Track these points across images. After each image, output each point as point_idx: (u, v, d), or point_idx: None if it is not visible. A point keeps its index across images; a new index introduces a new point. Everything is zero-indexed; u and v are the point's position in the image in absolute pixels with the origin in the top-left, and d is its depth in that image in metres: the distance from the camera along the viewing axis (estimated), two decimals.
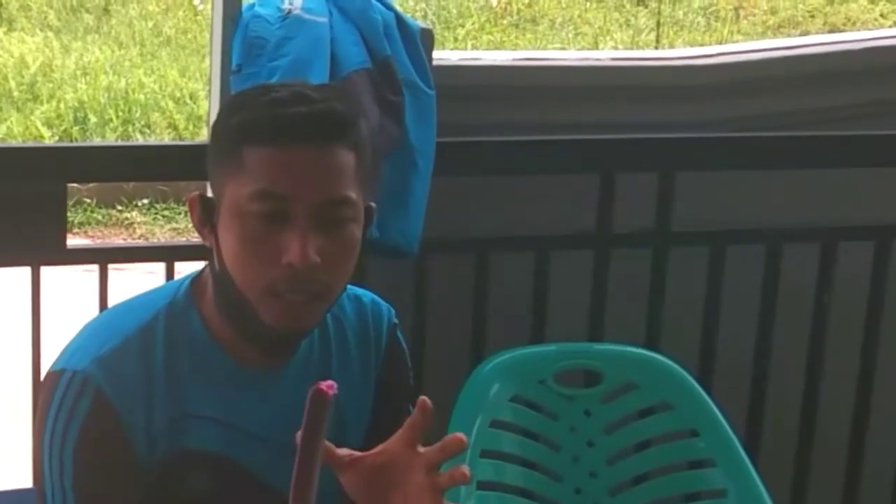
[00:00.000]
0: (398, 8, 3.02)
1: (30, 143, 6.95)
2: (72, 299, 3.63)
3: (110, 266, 2.92)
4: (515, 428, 2.88)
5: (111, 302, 2.83)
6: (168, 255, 2.98)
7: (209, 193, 1.96)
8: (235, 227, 1.83)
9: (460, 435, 1.77)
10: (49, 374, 1.92)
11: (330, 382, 1.70)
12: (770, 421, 3.34)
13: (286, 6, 2.85)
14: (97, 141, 7.47)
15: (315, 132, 1.82)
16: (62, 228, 2.87)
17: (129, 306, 1.98)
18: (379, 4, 2.92)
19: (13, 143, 7.15)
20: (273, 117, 1.82)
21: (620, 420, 2.95)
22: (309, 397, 1.69)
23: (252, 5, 2.89)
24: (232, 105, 1.91)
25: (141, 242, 6.74)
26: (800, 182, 3.34)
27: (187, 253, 3.01)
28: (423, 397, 1.77)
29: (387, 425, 1.88)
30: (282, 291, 1.82)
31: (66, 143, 6.94)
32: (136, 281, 2.75)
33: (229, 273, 1.85)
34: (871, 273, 3.37)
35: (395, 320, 2.08)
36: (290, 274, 1.81)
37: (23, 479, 2.97)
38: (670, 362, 2.93)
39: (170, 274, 2.91)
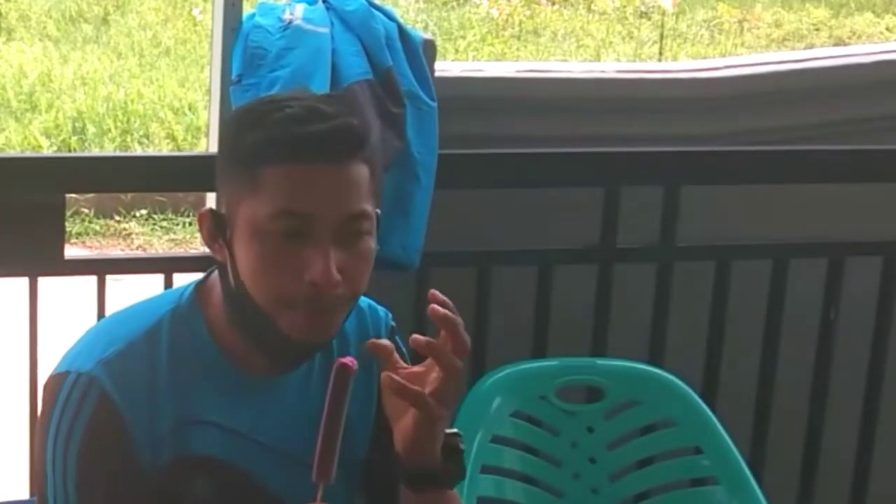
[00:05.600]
0: (400, 19, 3.00)
1: (28, 154, 6.93)
2: (69, 309, 3.61)
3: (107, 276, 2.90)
4: (516, 443, 2.86)
5: (109, 312, 2.81)
6: (166, 266, 2.96)
7: (210, 205, 1.95)
8: (254, 245, 1.83)
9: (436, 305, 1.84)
10: (52, 376, 1.91)
11: (351, 358, 1.79)
12: (774, 439, 3.32)
13: (287, 16, 2.84)
14: (95, 152, 7.44)
15: (334, 149, 1.82)
16: (60, 239, 2.86)
17: (132, 312, 1.97)
18: (381, 15, 2.91)
19: (11, 153, 7.12)
20: (291, 136, 1.81)
21: (623, 436, 2.93)
22: (333, 372, 1.77)
23: (252, 15, 2.87)
24: (244, 121, 1.89)
25: (139, 253, 6.72)
26: (806, 196, 3.32)
27: (186, 265, 2.99)
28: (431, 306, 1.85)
29: (390, 428, 1.90)
30: (301, 306, 1.82)
31: (64, 154, 6.91)
32: (132, 291, 2.73)
33: (246, 289, 1.84)
34: (879, 288, 3.35)
35: (393, 323, 2.08)
36: (311, 292, 1.81)
37: (19, 490, 2.96)
38: (674, 378, 2.91)
39: (168, 286, 2.89)
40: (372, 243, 1.87)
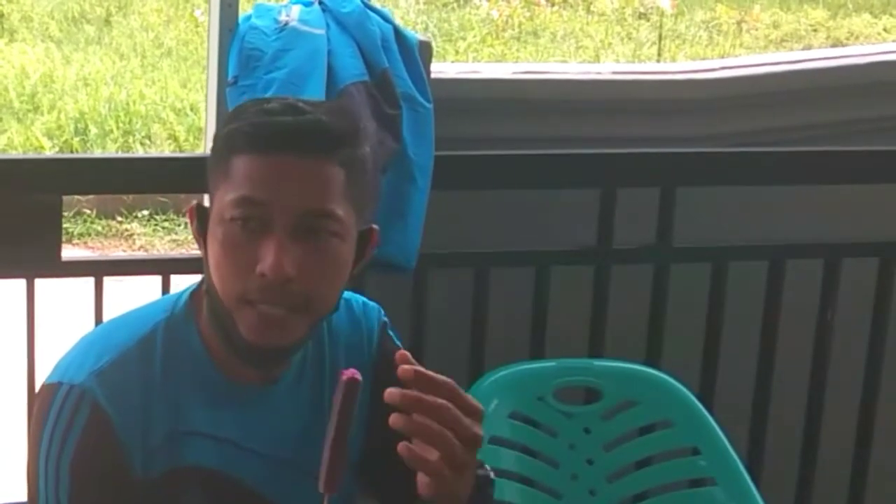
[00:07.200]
0: (397, 20, 3.00)
1: (26, 155, 6.93)
2: (69, 308, 3.62)
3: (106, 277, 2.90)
4: (514, 444, 2.86)
5: (106, 314, 2.81)
6: (164, 267, 2.96)
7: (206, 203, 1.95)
8: (218, 234, 1.82)
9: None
10: (44, 386, 1.90)
11: (354, 370, 1.75)
12: (772, 439, 3.32)
13: (283, 18, 2.84)
14: (94, 153, 7.46)
15: (299, 142, 1.80)
16: (58, 241, 2.85)
17: (126, 320, 1.96)
18: (377, 17, 2.91)
19: (9, 154, 7.13)
20: (259, 125, 1.81)
21: (620, 437, 2.92)
22: (342, 387, 1.73)
23: (248, 17, 2.87)
24: (229, 116, 1.91)
25: (136, 255, 6.72)
26: (803, 197, 3.32)
27: (183, 266, 2.99)
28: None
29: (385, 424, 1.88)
30: (255, 301, 1.80)
31: (61, 155, 6.92)
32: (133, 291, 2.74)
33: (213, 284, 1.83)
34: (875, 289, 3.35)
35: (385, 319, 2.06)
36: (262, 284, 1.78)
37: (16, 493, 2.95)
38: (671, 379, 2.91)
39: (165, 287, 2.89)
40: (340, 248, 1.82)
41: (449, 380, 1.73)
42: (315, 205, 1.80)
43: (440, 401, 1.70)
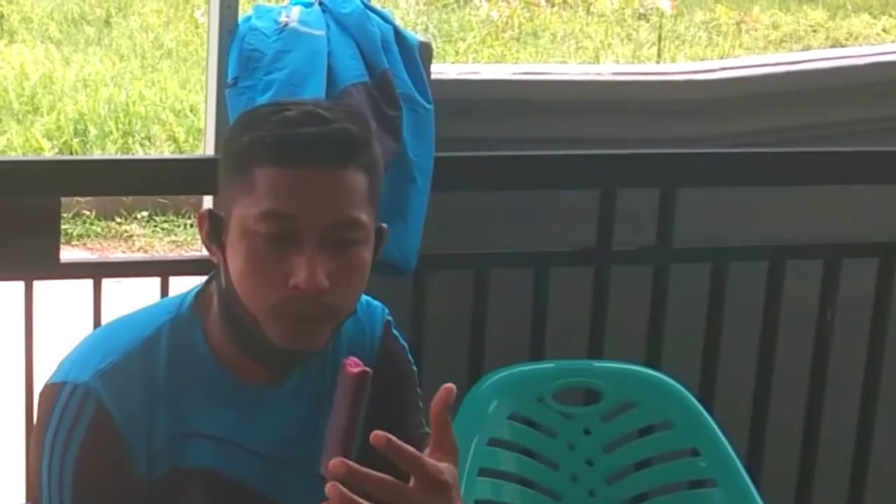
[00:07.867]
0: (397, 21, 2.99)
1: (24, 157, 6.92)
2: (68, 310, 3.62)
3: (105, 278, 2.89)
4: (513, 446, 2.86)
5: (106, 316, 2.81)
6: (163, 269, 2.95)
7: (210, 206, 1.93)
8: (243, 247, 1.81)
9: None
10: (48, 386, 1.90)
11: (354, 359, 1.76)
12: (772, 441, 3.31)
13: (283, 19, 2.83)
14: (93, 154, 7.44)
15: (327, 153, 1.79)
16: (56, 242, 2.85)
17: (130, 320, 1.96)
18: (377, 17, 2.90)
19: (8, 155, 7.13)
20: (284, 137, 1.79)
21: (620, 439, 2.92)
22: (355, 378, 1.74)
23: (248, 17, 2.87)
24: (244, 122, 1.89)
25: (135, 256, 6.71)
26: (802, 198, 3.32)
27: (183, 267, 3.00)
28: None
29: (392, 417, 1.90)
30: (287, 312, 1.80)
31: (59, 157, 6.91)
32: (132, 292, 2.74)
33: (236, 292, 1.83)
34: (875, 289, 3.35)
35: (389, 317, 2.06)
36: (296, 296, 1.79)
37: (16, 495, 2.95)
38: (671, 381, 2.91)
39: (164, 288, 2.89)
40: (365, 255, 1.84)
41: (412, 451, 1.67)
42: (342, 215, 1.80)
43: (383, 478, 1.66)
